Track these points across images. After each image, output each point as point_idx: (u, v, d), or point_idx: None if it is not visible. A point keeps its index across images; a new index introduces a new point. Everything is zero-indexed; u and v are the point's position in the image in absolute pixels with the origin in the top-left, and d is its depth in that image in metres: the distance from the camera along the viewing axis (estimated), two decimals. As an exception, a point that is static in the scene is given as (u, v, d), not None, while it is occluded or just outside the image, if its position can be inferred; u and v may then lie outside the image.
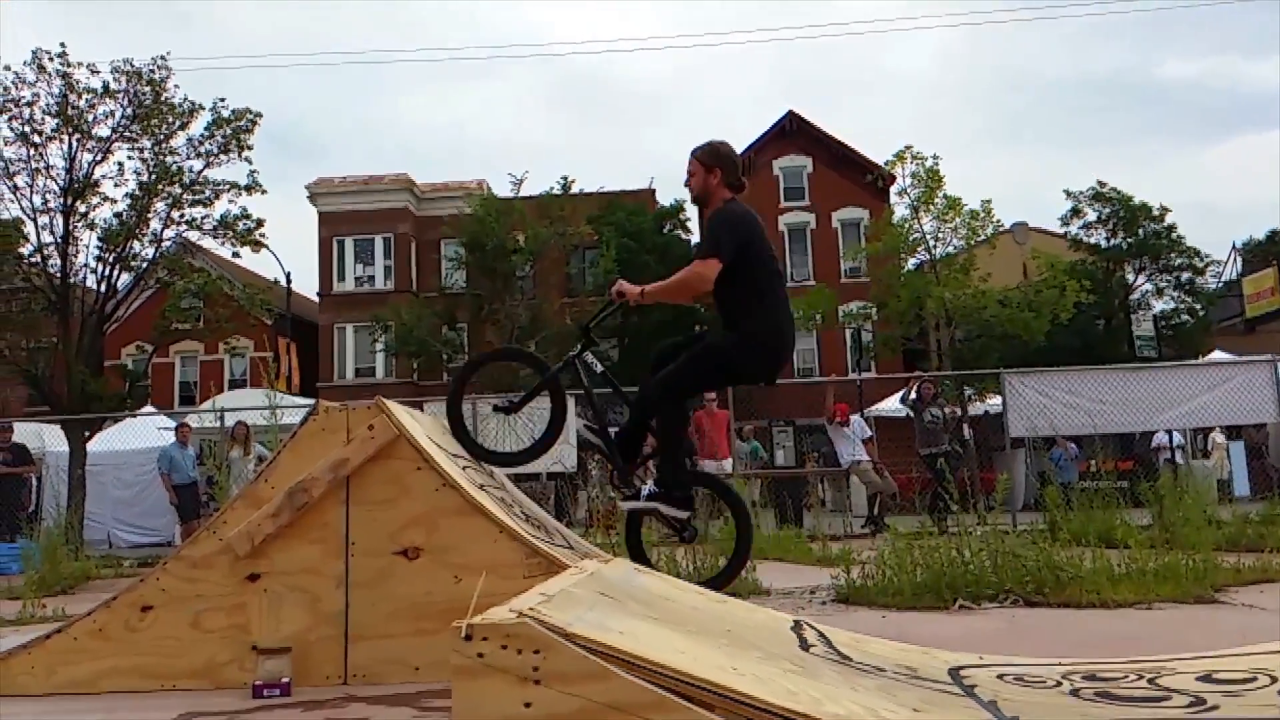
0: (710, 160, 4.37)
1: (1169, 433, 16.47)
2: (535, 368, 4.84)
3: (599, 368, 4.63)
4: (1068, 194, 33.16)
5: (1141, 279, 33.13)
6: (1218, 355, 20.35)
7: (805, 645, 3.06)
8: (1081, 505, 7.96)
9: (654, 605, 3.03)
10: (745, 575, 6.50)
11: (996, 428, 15.50)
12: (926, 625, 5.03)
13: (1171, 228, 32.30)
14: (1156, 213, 32.21)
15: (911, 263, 25.37)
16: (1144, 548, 6.25)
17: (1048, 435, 13.80)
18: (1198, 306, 33.01)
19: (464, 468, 4.38)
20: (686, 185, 4.45)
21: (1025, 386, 13.49)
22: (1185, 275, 32.78)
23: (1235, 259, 36.44)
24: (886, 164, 24.65)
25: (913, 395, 13.78)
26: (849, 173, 34.65)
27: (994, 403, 16.38)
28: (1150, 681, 2.75)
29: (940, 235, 23.38)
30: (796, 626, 3.37)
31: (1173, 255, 32.43)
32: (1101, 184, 32.57)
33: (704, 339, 4.53)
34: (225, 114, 18.00)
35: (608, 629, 2.18)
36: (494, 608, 2.14)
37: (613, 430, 4.56)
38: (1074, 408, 13.04)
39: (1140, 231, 32.12)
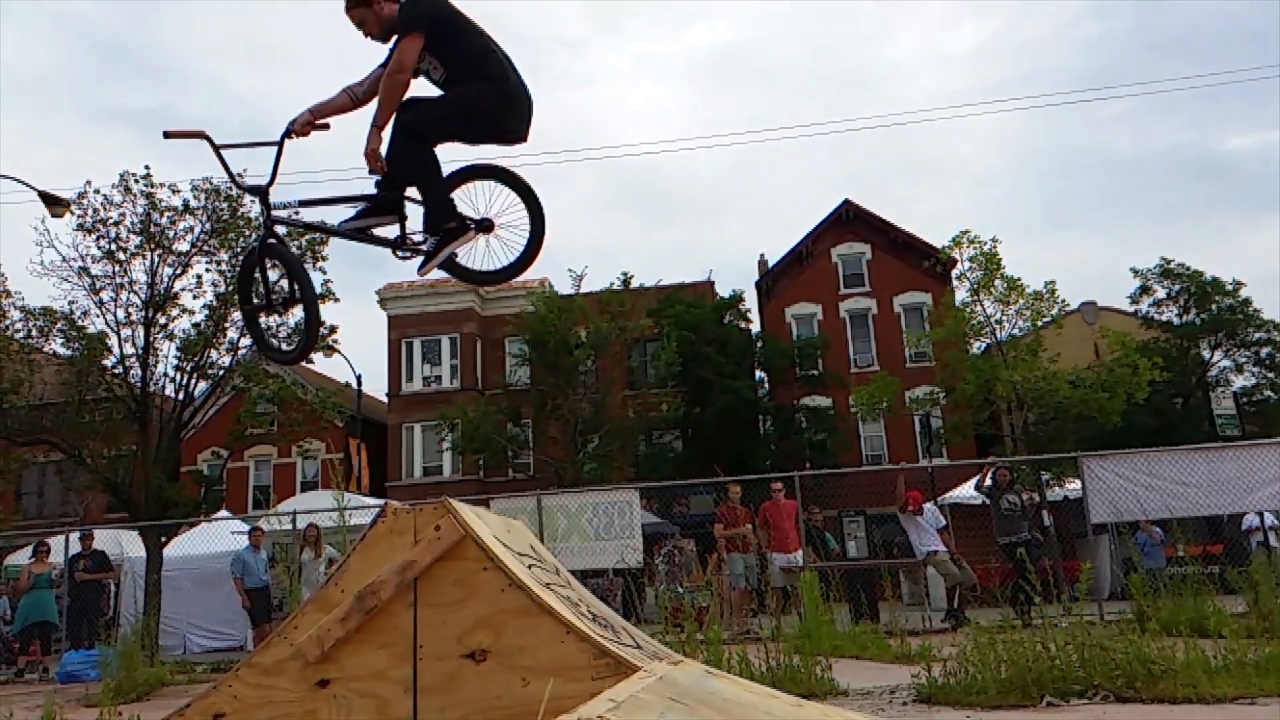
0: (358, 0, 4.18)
1: (1260, 514, 15.76)
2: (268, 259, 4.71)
3: (295, 202, 4.50)
4: (1135, 272, 32.83)
5: (1218, 355, 32.32)
6: (1306, 431, 19.57)
7: (885, 749, 2.95)
8: (1170, 592, 7.63)
9: (726, 711, 2.95)
10: (820, 674, 6.29)
11: (1077, 513, 15.00)
12: (1013, 725, 4.82)
13: (1247, 302, 31.64)
14: (1230, 287, 31.60)
15: (978, 346, 25.09)
16: (1241, 637, 5.94)
17: (1131, 520, 13.33)
18: (1281, 382, 32.01)
19: (529, 565, 4.35)
20: (368, 35, 4.21)
21: (1104, 470, 13.08)
22: (1265, 350, 31.91)
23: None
24: (945, 248, 24.61)
25: (988, 482, 13.44)
26: (908, 258, 34.59)
27: (1073, 487, 15.89)
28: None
29: (1003, 318, 23.17)
30: (875, 729, 3.24)
31: (1250, 330, 31.66)
32: (1167, 260, 32.21)
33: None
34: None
35: (678, 735, 2.12)
36: (562, 715, 2.10)
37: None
38: (1156, 490, 12.60)
39: (1214, 307, 31.51)
